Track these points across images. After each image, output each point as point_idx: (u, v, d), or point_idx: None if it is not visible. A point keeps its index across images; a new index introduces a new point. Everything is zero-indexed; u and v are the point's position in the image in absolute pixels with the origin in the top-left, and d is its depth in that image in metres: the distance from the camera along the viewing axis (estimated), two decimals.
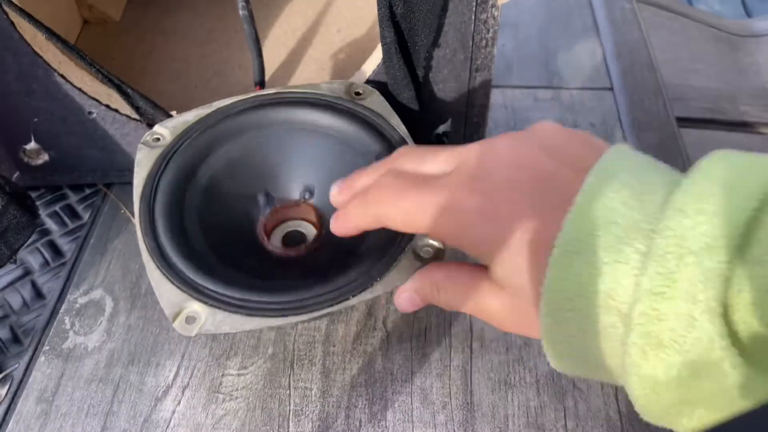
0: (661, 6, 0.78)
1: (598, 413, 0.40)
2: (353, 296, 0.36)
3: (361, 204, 0.32)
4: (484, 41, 0.46)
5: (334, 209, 0.35)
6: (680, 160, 0.56)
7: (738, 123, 0.67)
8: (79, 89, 0.48)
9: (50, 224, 0.52)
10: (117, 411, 0.41)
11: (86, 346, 0.44)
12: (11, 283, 0.48)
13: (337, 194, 0.35)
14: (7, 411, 0.41)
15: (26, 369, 0.43)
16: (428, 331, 0.44)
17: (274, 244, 0.44)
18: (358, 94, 0.46)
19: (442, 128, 0.52)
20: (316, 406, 0.41)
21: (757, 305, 0.20)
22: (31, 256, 0.50)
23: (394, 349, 0.43)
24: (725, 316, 0.21)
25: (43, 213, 0.52)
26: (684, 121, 0.63)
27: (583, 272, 0.24)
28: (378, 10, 0.42)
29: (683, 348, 0.21)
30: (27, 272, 0.49)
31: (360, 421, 0.40)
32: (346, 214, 0.33)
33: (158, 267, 0.37)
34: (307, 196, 0.45)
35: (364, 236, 0.36)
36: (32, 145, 0.51)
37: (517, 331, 0.30)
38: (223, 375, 0.42)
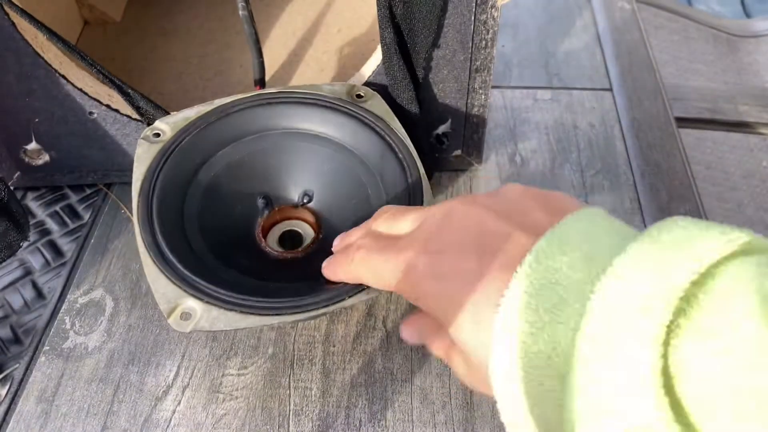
0: (661, 6, 0.78)
1: None
2: (349, 297, 0.36)
3: (344, 260, 0.35)
4: (483, 42, 0.46)
5: (331, 213, 0.38)
6: (679, 161, 0.56)
7: (737, 123, 0.67)
8: (80, 90, 0.48)
9: (51, 224, 0.52)
10: (117, 411, 0.41)
11: (86, 346, 0.44)
12: (12, 283, 0.48)
13: (334, 245, 0.38)
14: (8, 411, 0.41)
15: (26, 369, 0.43)
16: None
17: (271, 245, 0.44)
18: (359, 96, 0.46)
19: (442, 128, 0.52)
20: (316, 406, 0.41)
21: (697, 376, 0.20)
22: (32, 256, 0.50)
23: (394, 348, 0.43)
24: (667, 382, 0.21)
25: (43, 213, 0.52)
26: (683, 121, 0.63)
27: (526, 332, 0.24)
28: (378, 11, 0.42)
29: (624, 415, 0.21)
30: (27, 272, 0.49)
31: (360, 421, 0.40)
32: (334, 267, 0.36)
33: (155, 262, 0.37)
34: (305, 200, 0.46)
35: None
36: (33, 145, 0.51)
37: (475, 387, 0.30)
38: (223, 375, 0.42)
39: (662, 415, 0.20)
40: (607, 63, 0.65)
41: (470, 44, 0.46)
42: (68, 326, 0.45)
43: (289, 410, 0.41)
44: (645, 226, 0.50)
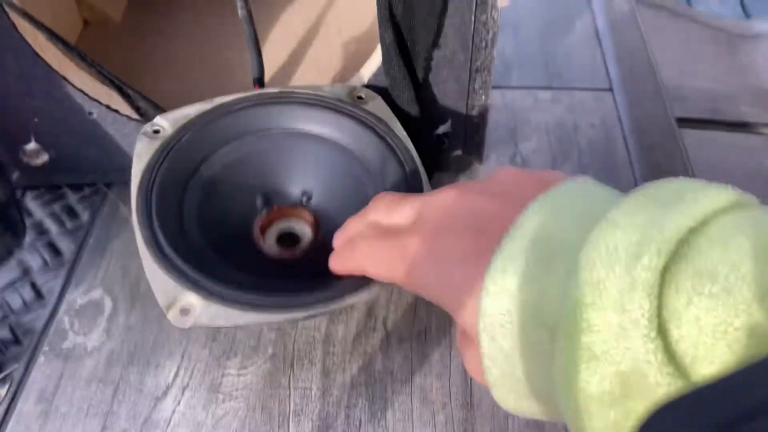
0: (661, 7, 0.78)
1: None
2: (349, 296, 0.36)
3: (346, 253, 0.36)
4: (483, 42, 0.46)
5: (330, 214, 0.40)
6: (680, 161, 0.56)
7: (738, 123, 0.67)
8: (80, 90, 0.48)
9: (49, 224, 0.52)
10: (117, 411, 0.41)
11: (86, 346, 0.44)
12: (10, 284, 0.48)
13: (335, 239, 0.38)
14: (7, 411, 0.41)
15: (26, 369, 0.43)
16: (428, 331, 0.44)
17: (269, 243, 0.44)
18: (360, 98, 0.46)
19: (442, 129, 0.52)
20: (316, 406, 0.41)
21: (692, 319, 0.20)
22: (30, 256, 0.50)
23: (394, 349, 0.43)
24: (659, 327, 0.20)
25: (42, 213, 0.52)
26: (684, 122, 0.63)
27: (514, 284, 0.24)
28: (378, 11, 0.42)
29: (614, 359, 0.21)
30: (26, 272, 0.49)
31: (360, 421, 0.40)
32: (337, 261, 0.37)
33: (153, 257, 0.37)
34: (305, 200, 0.45)
35: None
36: (32, 145, 0.51)
37: (476, 377, 0.30)
38: (223, 375, 0.42)
39: (653, 358, 0.20)
40: (608, 63, 0.65)
41: (470, 45, 0.46)
42: (67, 326, 0.45)
43: (289, 410, 0.41)
44: None
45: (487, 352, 0.26)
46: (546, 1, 0.75)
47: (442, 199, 0.31)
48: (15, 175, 0.53)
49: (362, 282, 0.36)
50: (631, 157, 0.56)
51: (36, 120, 0.50)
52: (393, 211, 0.34)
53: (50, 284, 0.48)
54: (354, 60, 0.61)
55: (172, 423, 0.40)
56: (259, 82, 0.49)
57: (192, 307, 0.35)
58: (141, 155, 0.42)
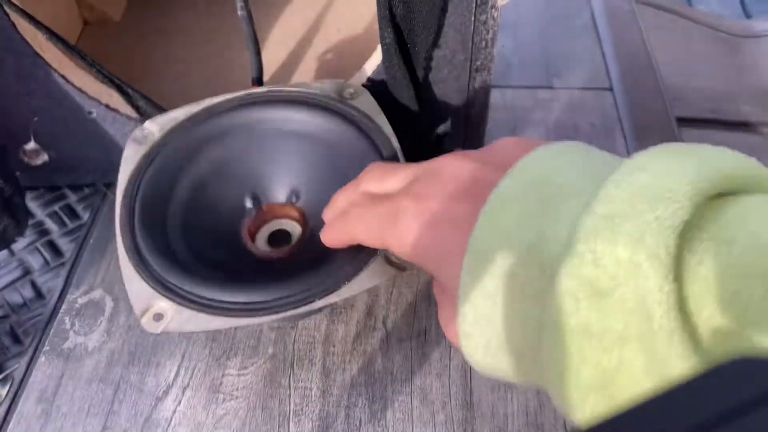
0: (661, 7, 0.78)
1: None
2: (319, 299, 0.35)
3: (338, 223, 0.35)
4: (483, 42, 0.46)
5: (319, 211, 0.38)
6: None
7: (738, 123, 0.67)
8: (79, 89, 0.48)
9: (50, 224, 0.52)
10: (117, 411, 0.41)
11: (86, 346, 0.44)
12: (11, 283, 0.48)
13: (324, 214, 0.37)
14: (8, 411, 0.41)
15: (27, 369, 0.43)
16: (428, 330, 0.44)
17: (259, 243, 0.44)
18: (348, 94, 0.46)
19: (442, 128, 0.52)
20: (316, 406, 0.41)
21: (714, 281, 0.19)
22: (31, 256, 0.50)
23: (394, 349, 0.43)
24: (677, 280, 0.19)
25: (42, 213, 0.52)
26: (684, 122, 0.63)
27: (510, 222, 0.23)
28: (378, 11, 0.42)
29: (621, 296, 0.20)
30: (27, 272, 0.49)
31: (360, 421, 0.40)
32: (329, 233, 0.36)
33: (131, 263, 0.37)
34: (294, 200, 0.46)
35: None
36: (32, 145, 0.51)
37: (449, 331, 0.29)
38: (223, 375, 0.42)
39: (665, 299, 0.19)
40: (608, 63, 0.65)
41: (470, 44, 0.46)
42: (68, 326, 0.45)
43: (289, 410, 0.41)
44: None
45: (465, 294, 0.25)
46: (546, 0, 0.75)
47: (438, 166, 0.31)
48: (16, 175, 0.53)
49: (332, 284, 0.36)
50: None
51: (36, 120, 0.50)
52: (386, 178, 0.33)
53: (50, 284, 0.48)
54: (354, 60, 0.61)
55: (172, 423, 0.40)
56: (258, 81, 0.49)
57: (164, 312, 0.35)
58: (127, 161, 0.42)
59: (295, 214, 0.45)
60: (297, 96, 0.45)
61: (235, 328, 0.44)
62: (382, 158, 0.42)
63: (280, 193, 0.46)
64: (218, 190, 0.44)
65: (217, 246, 0.42)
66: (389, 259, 0.37)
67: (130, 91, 0.46)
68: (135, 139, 0.43)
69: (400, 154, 0.43)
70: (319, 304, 0.35)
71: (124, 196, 0.40)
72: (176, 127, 0.44)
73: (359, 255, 0.37)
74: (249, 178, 0.45)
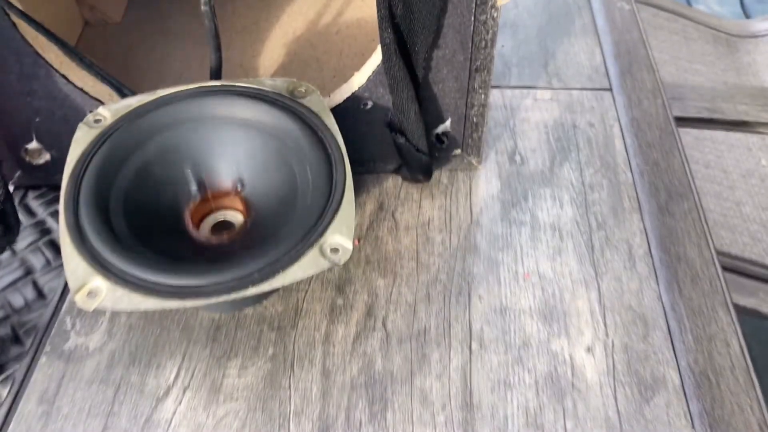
0: (660, 7, 0.78)
1: (597, 413, 0.40)
2: (252, 286, 0.36)
3: None
4: (483, 42, 0.46)
5: (261, 200, 0.40)
6: (678, 160, 0.56)
7: (736, 122, 0.67)
8: (81, 89, 0.48)
9: (52, 223, 0.52)
10: (118, 412, 0.41)
11: (87, 346, 0.44)
12: (12, 283, 0.48)
13: None
14: (9, 412, 0.41)
15: (27, 370, 0.43)
16: (428, 331, 0.44)
17: (202, 231, 0.45)
18: (299, 92, 0.47)
19: (441, 128, 0.52)
20: (317, 407, 0.41)
21: None
22: (33, 256, 0.50)
23: (394, 349, 0.43)
24: None
25: (44, 212, 0.52)
26: (682, 121, 0.63)
27: None
28: (378, 12, 0.43)
29: None
30: (28, 272, 0.49)
31: (360, 422, 0.40)
32: None
33: (72, 241, 0.38)
34: (239, 188, 0.46)
35: (284, 224, 0.40)
36: (34, 144, 0.51)
37: None
38: (223, 376, 0.42)
39: None
40: (607, 63, 0.66)
41: (470, 44, 0.46)
42: (69, 327, 0.45)
43: (290, 411, 0.41)
44: (644, 225, 0.51)
45: None
46: (545, 0, 0.75)
47: None
48: (17, 175, 0.53)
49: (266, 273, 0.37)
50: (630, 155, 0.56)
51: (37, 119, 0.50)
52: None
53: (52, 284, 0.48)
54: (354, 60, 0.61)
55: (173, 423, 0.40)
56: (216, 75, 0.50)
57: (99, 290, 0.36)
58: (78, 142, 0.43)
59: (238, 204, 0.46)
60: (248, 90, 0.46)
61: (235, 329, 0.45)
62: (327, 153, 0.43)
63: (225, 181, 0.46)
64: (164, 174, 0.45)
65: (158, 228, 0.43)
66: (323, 253, 0.38)
67: (127, 91, 0.46)
68: (87, 122, 0.44)
69: (344, 151, 0.43)
70: (251, 291, 0.36)
71: (71, 176, 0.41)
72: (128, 114, 0.45)
73: (295, 246, 0.38)
74: (195, 165, 0.46)
